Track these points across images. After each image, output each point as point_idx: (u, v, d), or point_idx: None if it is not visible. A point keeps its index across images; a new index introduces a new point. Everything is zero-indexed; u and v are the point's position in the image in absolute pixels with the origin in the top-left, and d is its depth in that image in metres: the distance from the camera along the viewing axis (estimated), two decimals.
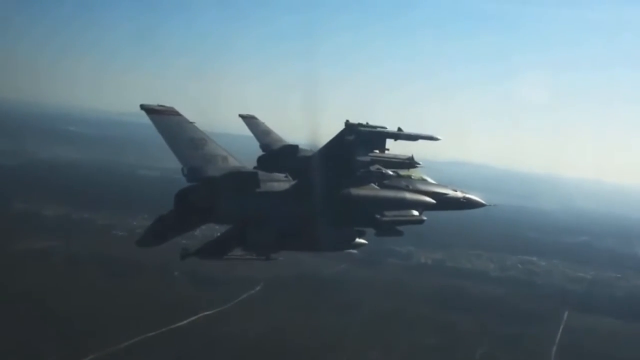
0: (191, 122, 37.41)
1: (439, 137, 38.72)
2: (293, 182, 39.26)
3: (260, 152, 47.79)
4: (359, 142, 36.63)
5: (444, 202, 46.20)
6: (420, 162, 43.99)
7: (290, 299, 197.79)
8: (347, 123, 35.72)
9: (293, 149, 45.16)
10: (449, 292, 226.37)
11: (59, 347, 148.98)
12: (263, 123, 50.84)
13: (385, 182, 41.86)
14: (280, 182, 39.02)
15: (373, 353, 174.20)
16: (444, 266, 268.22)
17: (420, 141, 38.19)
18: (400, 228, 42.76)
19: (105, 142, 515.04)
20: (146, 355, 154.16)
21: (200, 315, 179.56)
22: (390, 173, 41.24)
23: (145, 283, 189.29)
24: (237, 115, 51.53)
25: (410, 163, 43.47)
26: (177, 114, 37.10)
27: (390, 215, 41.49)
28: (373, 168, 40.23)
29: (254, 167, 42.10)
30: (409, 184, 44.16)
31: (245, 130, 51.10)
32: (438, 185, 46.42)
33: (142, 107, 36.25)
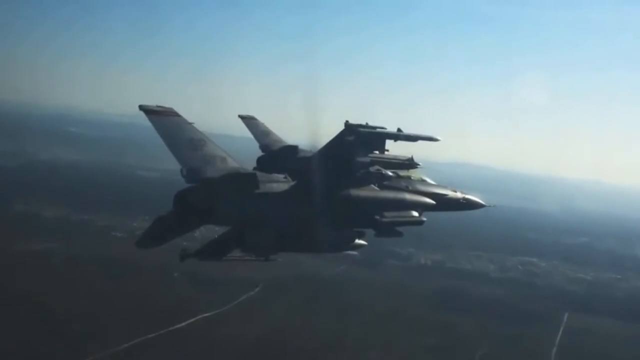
0: (190, 123, 37.29)
1: (438, 137, 38.62)
2: (292, 183, 39.15)
3: (259, 153, 47.67)
4: (359, 142, 36.59)
5: (444, 203, 46.15)
6: (420, 163, 43.86)
7: (289, 300, 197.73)
8: (346, 124, 35.64)
9: (292, 149, 45.05)
10: (449, 293, 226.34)
11: (59, 349, 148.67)
12: (262, 124, 50.68)
13: (385, 183, 41.77)
14: (280, 183, 38.91)
15: (373, 354, 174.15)
16: (444, 267, 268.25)
17: (420, 142, 38.09)
18: (400, 229, 42.69)
19: (106, 143, 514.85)
20: (145, 357, 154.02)
21: (200, 316, 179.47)
22: (390, 174, 41.12)
23: (145, 284, 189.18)
24: (237, 116, 51.49)
25: (410, 164, 43.32)
26: (176, 114, 36.96)
27: (390, 216, 41.42)
28: (373, 169, 40.12)
29: (254, 168, 41.99)
30: (408, 185, 44.08)
31: (246, 132, 50.99)
32: (438, 186, 46.35)
33: (141, 107, 36.12)
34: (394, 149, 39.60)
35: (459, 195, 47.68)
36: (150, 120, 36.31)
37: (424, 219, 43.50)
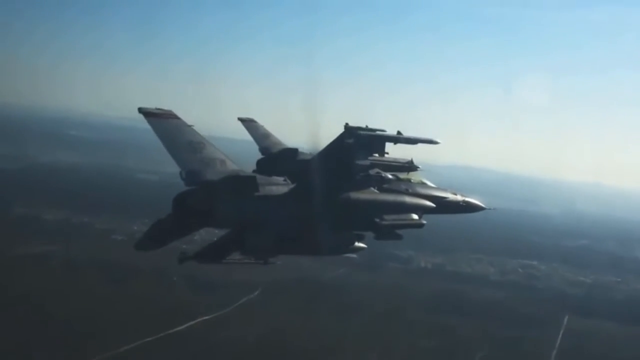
0: (189, 125, 37.16)
1: (438, 140, 38.62)
2: (292, 186, 39.07)
3: (259, 156, 47.57)
4: (359, 145, 36.57)
5: (444, 206, 46.04)
6: (420, 166, 43.73)
7: (289, 303, 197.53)
8: (346, 126, 35.63)
9: (292, 152, 44.89)
10: (449, 296, 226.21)
11: (58, 351, 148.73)
12: (262, 126, 50.50)
13: (385, 185, 41.68)
14: (279, 185, 38.86)
15: (373, 356, 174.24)
16: (444, 270, 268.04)
17: (419, 145, 38.05)
18: (399, 232, 42.59)
19: (106, 146, 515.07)
20: None
21: (199, 319, 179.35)
22: (390, 177, 41.04)
23: (144, 287, 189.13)
24: (236, 119, 51.36)
25: (409, 167, 43.12)
26: (176, 117, 36.83)
27: (389, 219, 41.33)
28: (372, 172, 40.01)
29: (253, 171, 41.87)
30: (408, 188, 43.96)
31: (246, 134, 50.84)
32: (437, 188, 46.26)
33: (140, 110, 36.00)
34: (394, 151, 39.61)
35: (458, 198, 47.60)
36: (150, 122, 36.17)
37: (424, 221, 43.48)
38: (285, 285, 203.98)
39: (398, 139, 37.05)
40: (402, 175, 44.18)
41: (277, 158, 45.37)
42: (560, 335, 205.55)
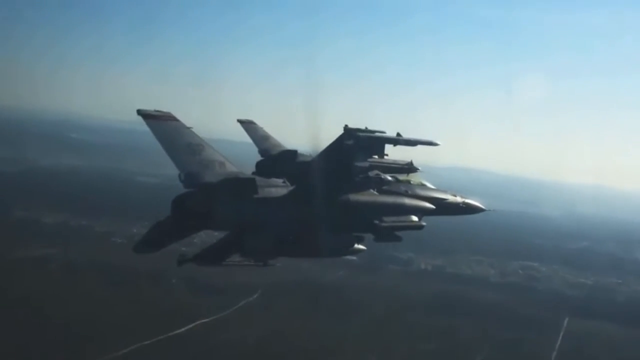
0: (188, 127, 37.08)
1: (438, 142, 38.64)
2: (291, 188, 38.96)
3: (259, 158, 47.54)
4: (358, 147, 36.49)
5: (444, 208, 45.99)
6: (420, 168, 43.68)
7: (289, 305, 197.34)
8: (345, 128, 35.58)
9: (292, 154, 44.89)
10: (449, 298, 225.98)
11: (57, 354, 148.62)
12: (262, 128, 50.50)
13: (384, 187, 41.64)
14: (278, 187, 38.75)
15: (373, 358, 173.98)
16: (444, 272, 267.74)
17: (419, 147, 37.99)
18: (399, 234, 42.50)
19: (106, 149, 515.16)
20: None
21: (199, 322, 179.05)
22: (389, 178, 41.03)
23: (144, 290, 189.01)
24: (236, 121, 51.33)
25: (409, 168, 43.09)
26: (174, 119, 36.75)
27: (389, 220, 41.23)
28: (372, 173, 40.02)
29: (253, 173, 41.78)
30: (408, 190, 43.90)
31: (246, 137, 50.86)
32: (437, 190, 46.20)
33: (139, 112, 35.92)
34: (394, 153, 39.54)
35: (458, 199, 47.55)
36: (148, 124, 36.09)
37: (424, 223, 43.40)
38: (285, 287, 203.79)
39: (397, 140, 36.97)
40: (402, 177, 44.13)
41: (276, 160, 45.40)
42: (560, 337, 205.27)
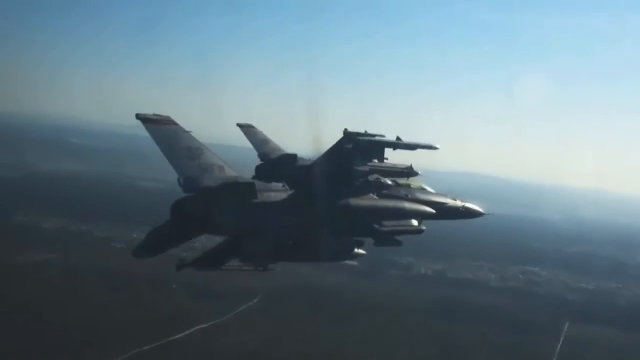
0: (187, 131, 36.98)
1: (437, 146, 38.50)
2: (291, 192, 38.87)
3: (259, 162, 47.42)
4: (358, 151, 36.45)
5: (444, 212, 45.89)
6: (419, 172, 43.63)
7: (289, 310, 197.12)
8: (345, 132, 35.50)
9: (291, 158, 44.75)
10: (449, 303, 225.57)
11: (57, 359, 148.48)
12: (261, 132, 50.36)
13: (384, 191, 41.56)
14: (278, 191, 38.68)
15: None
16: (444, 277, 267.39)
17: (419, 150, 37.93)
18: (399, 238, 42.42)
19: (107, 154, 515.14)
20: None
21: (199, 327, 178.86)
22: (389, 182, 40.94)
23: (144, 295, 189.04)
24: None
25: (409, 172, 43.09)
26: (173, 123, 36.62)
27: (389, 225, 41.16)
28: (372, 177, 39.94)
29: (252, 177, 41.70)
30: (408, 193, 43.83)
31: (247, 141, 50.77)
32: (437, 194, 46.10)
33: (138, 116, 35.78)
34: (393, 157, 39.43)
35: (458, 203, 47.43)
36: (147, 128, 35.96)
37: (424, 227, 43.31)
38: (285, 292, 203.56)
39: (397, 144, 36.88)
40: (402, 181, 44.11)
41: (276, 164, 45.24)
42: (560, 342, 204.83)
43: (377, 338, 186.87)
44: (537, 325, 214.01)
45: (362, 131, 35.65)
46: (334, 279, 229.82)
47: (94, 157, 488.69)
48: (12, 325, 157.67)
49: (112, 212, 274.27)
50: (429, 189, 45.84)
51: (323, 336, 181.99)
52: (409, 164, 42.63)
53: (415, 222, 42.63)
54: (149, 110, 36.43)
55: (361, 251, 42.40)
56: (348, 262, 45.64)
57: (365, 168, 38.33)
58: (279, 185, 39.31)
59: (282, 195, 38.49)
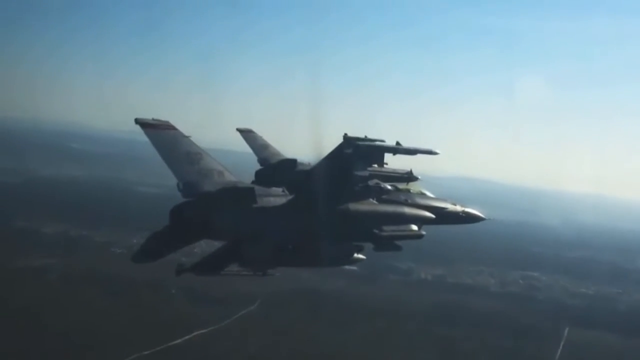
0: (186, 136, 36.98)
1: (437, 151, 38.55)
2: (290, 197, 38.83)
3: (259, 167, 47.44)
4: (358, 156, 36.39)
5: (443, 217, 45.90)
6: (419, 177, 43.64)
7: (288, 315, 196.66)
8: (345, 137, 35.48)
9: (291, 163, 44.78)
10: (449, 308, 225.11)
11: None
12: (261, 137, 50.43)
13: (384, 196, 41.56)
14: (277, 196, 38.69)
15: None
16: (444, 282, 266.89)
17: (419, 155, 37.90)
18: (399, 243, 42.40)
19: (108, 159, 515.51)
20: None
21: (198, 332, 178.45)
22: (389, 187, 40.97)
23: (143, 300, 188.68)
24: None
25: (409, 177, 43.08)
26: (173, 127, 36.63)
27: (389, 230, 41.16)
28: (371, 182, 40.00)
29: (252, 182, 41.71)
30: (407, 199, 43.84)
31: (247, 146, 50.79)
32: (437, 199, 46.10)
33: (137, 121, 35.83)
34: (393, 162, 39.43)
35: (458, 208, 47.44)
36: (146, 133, 35.97)
37: (423, 232, 43.31)
38: (285, 297, 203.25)
39: (397, 149, 36.78)
40: (402, 186, 44.09)
41: (275, 169, 45.27)
42: (560, 347, 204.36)
43: (377, 343, 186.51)
44: (537, 330, 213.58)
45: (362, 136, 35.63)
46: (334, 284, 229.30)
47: (94, 162, 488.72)
48: (12, 329, 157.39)
49: (112, 217, 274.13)
50: (428, 194, 45.84)
51: (323, 341, 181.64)
52: (409, 169, 42.65)
53: (415, 227, 42.64)
54: (149, 114, 36.51)
55: (361, 256, 42.37)
56: (348, 267, 45.57)
57: (365, 173, 38.34)
58: (279, 190, 39.33)
59: (282, 200, 38.51)
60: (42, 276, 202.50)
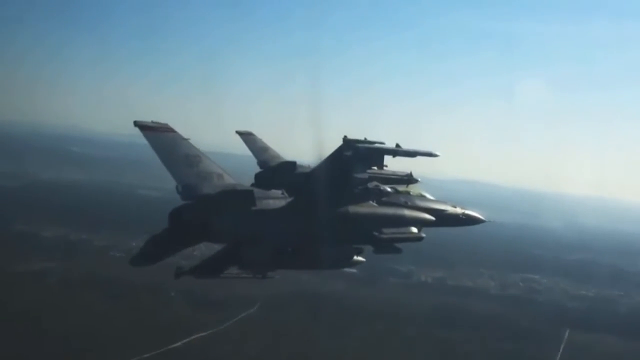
0: (186, 139, 36.86)
1: (437, 153, 38.39)
2: (290, 199, 38.70)
3: (258, 170, 47.40)
4: (357, 158, 36.22)
5: (443, 219, 45.77)
6: (419, 179, 43.52)
7: (288, 318, 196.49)
8: (344, 139, 35.34)
9: (290, 165, 44.74)
10: (449, 310, 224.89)
11: None
12: (260, 139, 50.42)
13: (384, 198, 41.42)
14: (277, 199, 38.49)
15: None
16: (444, 284, 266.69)
17: (419, 158, 37.79)
18: (399, 245, 42.27)
19: (108, 162, 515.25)
20: None
21: (198, 335, 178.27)
22: (389, 190, 40.84)
23: (142, 303, 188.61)
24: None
25: (408, 179, 42.98)
26: (172, 130, 36.47)
27: (388, 232, 41.02)
28: (371, 185, 39.84)
29: (252, 185, 41.63)
30: (407, 201, 43.72)
31: (247, 149, 50.73)
32: (437, 201, 45.99)
33: (136, 123, 35.67)
34: (393, 164, 39.30)
35: (458, 210, 47.30)
36: (145, 136, 35.82)
37: (423, 235, 43.14)
38: (284, 299, 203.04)
39: (397, 151, 36.62)
40: (401, 188, 44.00)
41: (275, 171, 45.31)
42: (561, 350, 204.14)
43: (377, 345, 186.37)
44: (537, 332, 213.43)
45: (362, 138, 35.51)
46: (334, 287, 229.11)
47: (94, 165, 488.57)
48: (12, 332, 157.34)
49: (112, 221, 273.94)
50: (428, 196, 45.73)
51: (322, 343, 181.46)
52: (409, 172, 42.53)
53: (415, 230, 42.50)
54: (149, 117, 36.38)
55: (361, 259, 42.26)
56: (347, 269, 45.45)
57: (365, 175, 38.16)
58: (278, 192, 39.16)
59: (281, 203, 38.32)
60: (42, 280, 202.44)
